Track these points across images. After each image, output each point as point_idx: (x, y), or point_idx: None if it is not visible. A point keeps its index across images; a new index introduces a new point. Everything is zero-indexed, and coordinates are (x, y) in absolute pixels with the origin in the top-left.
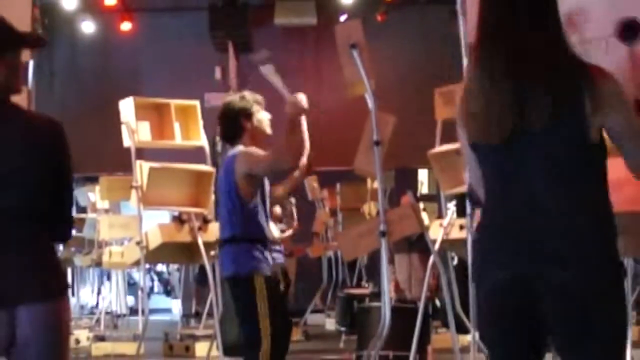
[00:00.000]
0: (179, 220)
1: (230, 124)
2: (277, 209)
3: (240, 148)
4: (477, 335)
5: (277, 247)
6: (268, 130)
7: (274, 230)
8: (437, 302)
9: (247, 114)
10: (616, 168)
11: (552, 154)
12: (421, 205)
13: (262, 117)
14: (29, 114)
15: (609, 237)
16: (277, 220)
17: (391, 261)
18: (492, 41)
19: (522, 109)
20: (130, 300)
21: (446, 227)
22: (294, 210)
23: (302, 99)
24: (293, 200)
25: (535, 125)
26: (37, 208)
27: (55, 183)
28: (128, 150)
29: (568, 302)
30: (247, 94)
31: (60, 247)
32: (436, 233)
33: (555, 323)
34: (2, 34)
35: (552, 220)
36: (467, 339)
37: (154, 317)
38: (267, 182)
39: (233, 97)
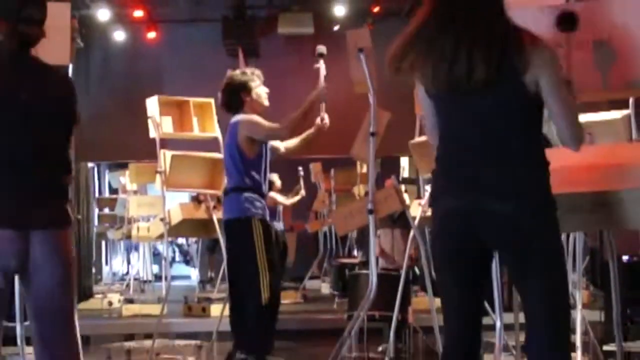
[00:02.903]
0: (196, 200)
1: (232, 96)
2: (277, 181)
3: (242, 116)
4: None
5: (277, 217)
6: (265, 102)
7: (279, 197)
8: (417, 270)
9: (247, 88)
10: (564, 156)
11: (495, 104)
12: (403, 187)
13: (260, 91)
14: (53, 69)
15: (543, 177)
16: (277, 191)
17: (377, 235)
18: (445, 8)
19: (469, 67)
20: (155, 268)
21: (424, 206)
22: (302, 184)
23: (322, 48)
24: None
25: (479, 79)
26: (55, 151)
27: (69, 131)
28: (153, 140)
29: (508, 232)
30: (248, 70)
31: (96, 222)
32: (416, 211)
33: (499, 249)
34: None
35: (495, 162)
36: None
37: (175, 283)
38: (268, 146)
39: (235, 72)
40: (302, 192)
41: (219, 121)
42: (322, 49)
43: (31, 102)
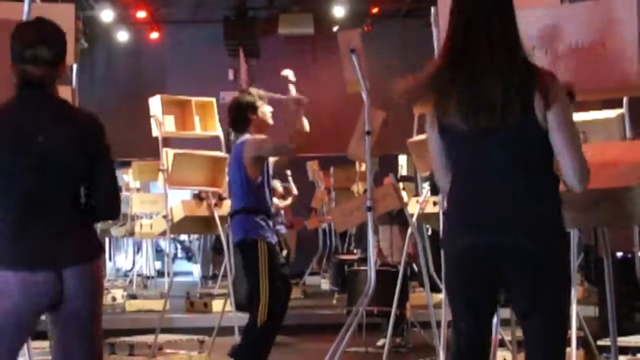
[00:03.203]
0: (198, 197)
1: (238, 116)
2: (279, 187)
3: (247, 136)
4: None
5: (280, 220)
6: (270, 121)
7: (276, 201)
8: (415, 266)
9: (253, 108)
10: None
11: (514, 143)
12: (401, 185)
13: (265, 110)
14: (75, 110)
15: (557, 212)
16: (279, 196)
17: (375, 232)
18: (462, 51)
19: (488, 109)
20: (158, 264)
21: (422, 203)
22: (292, 184)
23: (289, 73)
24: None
25: (505, 121)
26: (74, 190)
27: (94, 169)
28: (156, 139)
29: (526, 267)
30: (253, 90)
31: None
32: (413, 208)
33: (511, 281)
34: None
35: (510, 198)
36: (439, 296)
37: (177, 279)
38: (270, 168)
39: (239, 94)
40: (295, 191)
41: (219, 120)
42: (287, 73)
43: (48, 146)
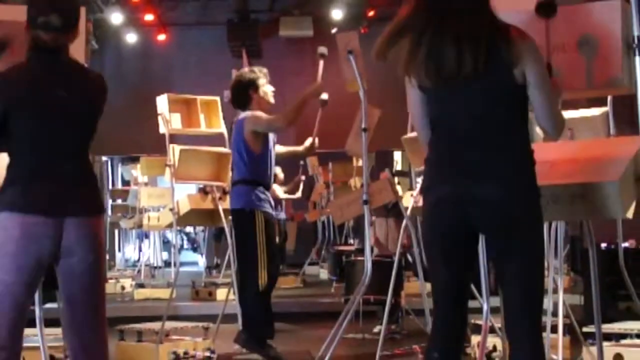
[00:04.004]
0: (203, 191)
1: (240, 93)
2: (280, 173)
3: (248, 113)
4: None
5: (280, 207)
6: (271, 100)
7: (279, 190)
8: (409, 257)
9: (255, 86)
10: (547, 150)
11: (484, 95)
12: (396, 179)
13: (267, 89)
14: (86, 70)
15: (530, 166)
16: (280, 183)
17: (372, 224)
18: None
19: (459, 60)
20: (165, 255)
21: (416, 197)
22: (301, 181)
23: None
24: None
25: (470, 72)
26: (88, 143)
27: (95, 121)
28: (163, 136)
29: (497, 216)
30: (256, 68)
31: (109, 211)
32: (408, 202)
33: (486, 233)
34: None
35: (485, 150)
36: None
37: (183, 269)
38: (272, 141)
39: (243, 70)
40: (299, 193)
41: (224, 118)
42: (323, 49)
43: (68, 98)
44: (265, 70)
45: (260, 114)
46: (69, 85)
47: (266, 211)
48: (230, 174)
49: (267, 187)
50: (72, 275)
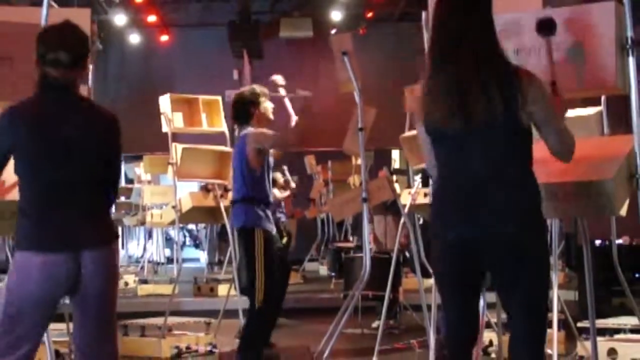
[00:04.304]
0: (205, 189)
1: (242, 110)
2: (280, 178)
3: (249, 129)
4: None
5: (281, 209)
6: (271, 116)
7: (276, 192)
8: (407, 253)
9: (255, 103)
10: (543, 149)
11: (493, 140)
12: (394, 177)
13: (267, 106)
14: (96, 107)
15: (535, 202)
16: (279, 187)
17: (370, 221)
18: (443, 57)
19: (471, 109)
20: (167, 251)
21: (413, 194)
22: (289, 177)
23: (279, 78)
24: (286, 170)
25: (482, 121)
26: (96, 178)
27: (110, 160)
28: (166, 134)
29: (509, 250)
30: (256, 87)
31: (113, 209)
32: (406, 199)
33: (496, 269)
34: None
35: (491, 191)
36: (430, 281)
37: (185, 265)
38: (271, 159)
39: (244, 89)
40: (293, 185)
41: (225, 117)
42: (277, 78)
43: (72, 136)
44: (265, 90)
45: (263, 131)
46: (76, 122)
47: (266, 229)
48: (231, 171)
49: (267, 204)
50: (87, 304)
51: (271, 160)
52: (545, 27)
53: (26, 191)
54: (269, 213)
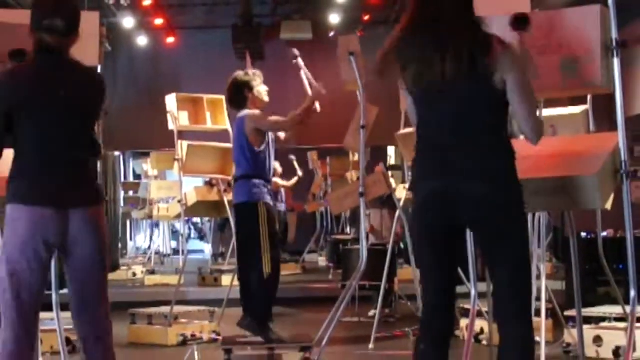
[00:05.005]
0: (209, 184)
1: (236, 93)
2: (278, 167)
3: (247, 111)
4: None
5: (280, 198)
6: (266, 99)
7: (281, 182)
8: (402, 245)
9: (249, 86)
10: (530, 146)
11: (467, 97)
12: (390, 173)
13: (261, 89)
14: (86, 69)
15: (511, 163)
16: (278, 176)
17: (367, 214)
18: (423, 18)
19: (443, 67)
20: (173, 243)
21: (408, 189)
22: (297, 166)
23: (322, 89)
24: (294, 159)
25: (454, 77)
26: (87, 138)
27: (94, 117)
28: (172, 132)
29: (483, 209)
30: (250, 70)
31: (122, 203)
32: (401, 194)
33: (473, 225)
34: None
35: (467, 147)
36: None
37: (191, 257)
38: (271, 136)
39: (238, 72)
40: (300, 173)
41: (228, 116)
42: (294, 52)
43: (68, 97)
44: (258, 72)
45: (262, 114)
46: (70, 84)
47: (268, 202)
48: (234, 167)
49: (268, 181)
50: (78, 261)
51: (271, 140)
52: (519, 22)
53: (21, 150)
54: (270, 189)
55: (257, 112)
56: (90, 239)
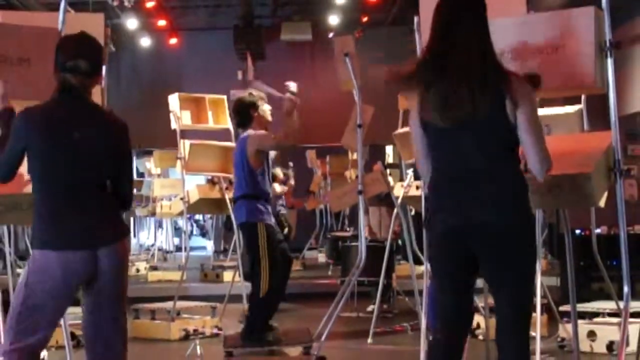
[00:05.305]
0: (211, 182)
1: (242, 114)
2: (279, 173)
3: (250, 131)
4: (428, 266)
5: (281, 202)
6: (269, 118)
7: (277, 187)
8: (400, 242)
9: (254, 106)
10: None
11: (485, 136)
12: (388, 171)
13: (265, 109)
14: (106, 113)
15: (523, 194)
16: (280, 182)
17: (366, 212)
18: (440, 56)
19: (464, 105)
20: (176, 240)
21: (406, 187)
22: (290, 173)
23: (293, 86)
24: (291, 165)
25: (476, 117)
26: (106, 179)
27: (122, 165)
28: (174, 131)
29: (498, 241)
30: (254, 91)
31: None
32: (399, 192)
33: (485, 256)
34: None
35: (484, 179)
36: (421, 268)
37: (193, 253)
38: (270, 158)
39: (243, 94)
40: (292, 181)
41: (230, 115)
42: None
43: (82, 139)
44: (262, 94)
45: (264, 133)
46: (87, 127)
47: (268, 223)
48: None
49: (268, 200)
50: (100, 294)
51: (272, 154)
52: (533, 83)
53: (39, 192)
54: (269, 208)
55: (262, 132)
56: (116, 271)
